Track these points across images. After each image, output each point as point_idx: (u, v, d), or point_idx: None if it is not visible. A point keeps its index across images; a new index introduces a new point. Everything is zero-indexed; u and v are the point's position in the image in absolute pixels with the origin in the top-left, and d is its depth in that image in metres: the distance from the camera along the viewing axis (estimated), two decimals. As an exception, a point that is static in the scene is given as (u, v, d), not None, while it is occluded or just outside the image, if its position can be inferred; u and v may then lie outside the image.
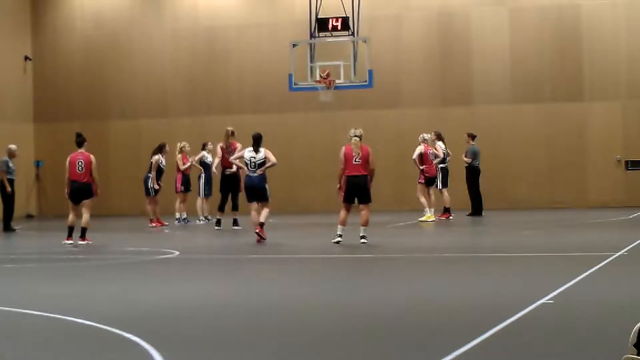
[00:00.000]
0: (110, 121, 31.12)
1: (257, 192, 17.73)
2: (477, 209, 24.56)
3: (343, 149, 16.62)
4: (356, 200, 16.74)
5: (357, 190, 16.55)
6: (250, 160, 17.79)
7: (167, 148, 23.80)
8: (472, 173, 24.44)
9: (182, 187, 24.24)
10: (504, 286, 10.88)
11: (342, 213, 16.61)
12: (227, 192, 22.03)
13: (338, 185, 16.65)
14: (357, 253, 15.56)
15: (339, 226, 16.49)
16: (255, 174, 17.73)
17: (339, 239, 16.39)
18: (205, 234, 21.20)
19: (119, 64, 31.16)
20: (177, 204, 24.25)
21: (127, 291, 11.21)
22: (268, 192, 17.80)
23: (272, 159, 17.91)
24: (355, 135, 16.54)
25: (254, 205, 17.73)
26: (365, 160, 16.49)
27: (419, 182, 23.15)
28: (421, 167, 23.02)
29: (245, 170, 17.99)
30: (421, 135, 23.40)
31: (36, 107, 31.85)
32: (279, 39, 28.93)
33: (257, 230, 17.29)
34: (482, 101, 28.60)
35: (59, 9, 31.78)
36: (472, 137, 24.67)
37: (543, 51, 28.24)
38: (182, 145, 24.33)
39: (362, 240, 16.30)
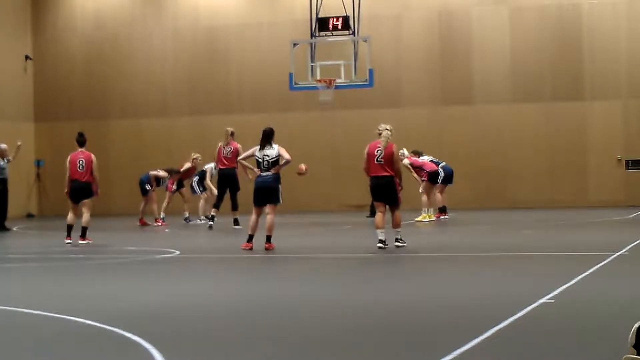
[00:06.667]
0: (111, 121, 31.12)
1: (269, 193, 15.57)
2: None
3: (367, 146, 15.43)
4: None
5: (381, 191, 15.43)
6: (263, 159, 15.61)
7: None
8: None
9: (175, 188, 24.32)
10: (504, 286, 10.87)
11: (377, 216, 15.62)
12: (224, 190, 21.94)
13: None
14: (357, 253, 15.55)
15: (378, 230, 15.32)
16: (269, 174, 15.61)
17: (381, 245, 15.19)
18: (205, 233, 21.19)
19: (119, 63, 31.16)
20: (165, 204, 24.21)
21: (127, 291, 11.21)
22: (280, 193, 15.68)
23: (286, 155, 15.60)
24: (387, 129, 15.20)
25: (257, 209, 15.80)
26: (388, 160, 15.22)
27: None
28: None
29: (256, 171, 15.79)
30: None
31: (36, 107, 31.86)
32: (279, 38, 28.93)
33: (266, 246, 15.59)
34: (482, 101, 28.60)
35: (59, 8, 31.78)
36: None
37: (543, 51, 28.23)
38: (197, 157, 24.33)
39: (397, 244, 15.38)
